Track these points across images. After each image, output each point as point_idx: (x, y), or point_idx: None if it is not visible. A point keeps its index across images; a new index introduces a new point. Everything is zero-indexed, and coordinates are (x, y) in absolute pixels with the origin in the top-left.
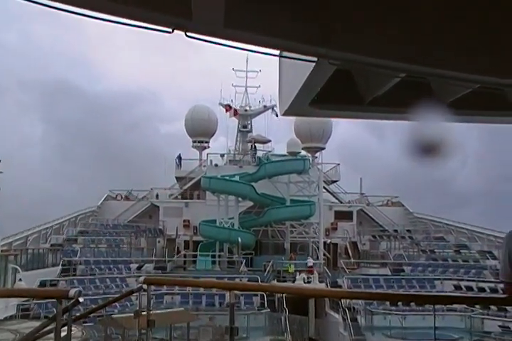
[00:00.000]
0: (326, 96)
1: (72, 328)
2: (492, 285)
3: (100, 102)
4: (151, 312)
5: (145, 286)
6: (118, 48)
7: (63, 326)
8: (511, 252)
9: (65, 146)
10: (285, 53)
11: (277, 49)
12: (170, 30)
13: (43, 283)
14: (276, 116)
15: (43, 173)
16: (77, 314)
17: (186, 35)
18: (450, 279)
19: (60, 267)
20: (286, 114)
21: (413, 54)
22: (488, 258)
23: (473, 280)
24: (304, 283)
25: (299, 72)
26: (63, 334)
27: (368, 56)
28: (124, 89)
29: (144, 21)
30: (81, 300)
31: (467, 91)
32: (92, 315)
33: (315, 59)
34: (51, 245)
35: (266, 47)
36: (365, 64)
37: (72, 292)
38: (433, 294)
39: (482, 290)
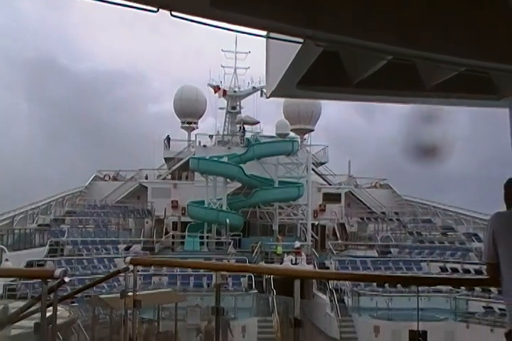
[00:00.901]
0: (313, 78)
1: (60, 308)
2: (477, 266)
3: (87, 81)
4: (138, 293)
5: (131, 267)
6: (105, 27)
7: (49, 306)
8: (495, 234)
9: (51, 126)
10: (272, 34)
11: (264, 30)
12: (155, 9)
13: (30, 264)
14: (264, 96)
15: (28, 152)
16: (64, 294)
17: (171, 15)
18: (436, 261)
19: (47, 247)
20: (273, 95)
21: (400, 37)
22: (473, 241)
23: (459, 262)
24: (292, 264)
25: (285, 54)
26: (49, 314)
27: (354, 38)
28: (111, 68)
29: (129, 0)
30: (66, 280)
31: (453, 75)
32: (79, 296)
33: (301, 40)
34: (38, 225)
35: (253, 27)
36: (352, 46)
37: (57, 272)
38: (417, 276)
39: (467, 271)
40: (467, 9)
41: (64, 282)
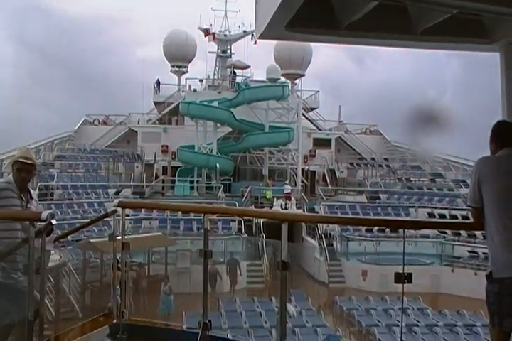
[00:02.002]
0: (302, 20)
1: (50, 251)
2: (464, 212)
3: (73, 24)
4: (128, 237)
5: (120, 210)
6: None
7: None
8: (480, 178)
9: (38, 69)
10: None
11: None
12: None
13: None
14: (255, 43)
15: (14, 96)
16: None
17: None
18: (424, 207)
19: (36, 191)
20: (262, 37)
21: None
22: (461, 187)
23: (446, 208)
24: (282, 209)
25: None
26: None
27: None
28: (99, 11)
29: None
30: (54, 222)
31: (445, 17)
32: (70, 239)
33: None
34: None
35: None
36: None
37: (44, 214)
38: (403, 219)
39: (454, 217)
40: None
41: (51, 224)
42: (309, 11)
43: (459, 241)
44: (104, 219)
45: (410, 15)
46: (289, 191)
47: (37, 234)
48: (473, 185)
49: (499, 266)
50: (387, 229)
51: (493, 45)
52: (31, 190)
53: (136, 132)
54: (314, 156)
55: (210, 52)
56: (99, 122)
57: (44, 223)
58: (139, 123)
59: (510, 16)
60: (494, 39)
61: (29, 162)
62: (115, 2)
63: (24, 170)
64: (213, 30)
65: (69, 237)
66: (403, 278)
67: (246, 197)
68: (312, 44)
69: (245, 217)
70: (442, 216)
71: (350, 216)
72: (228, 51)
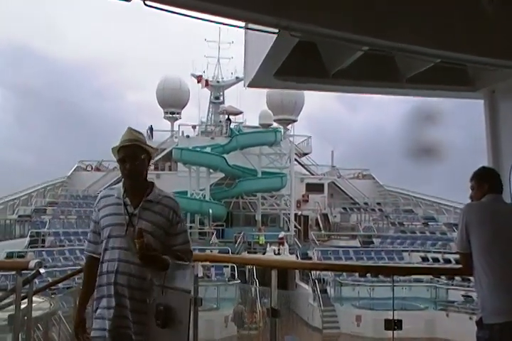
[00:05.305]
0: (290, 68)
1: (39, 300)
2: (457, 256)
3: (64, 69)
4: None
5: None
6: (86, 16)
7: (24, 298)
8: (467, 224)
9: (28, 114)
10: (249, 25)
11: (241, 20)
12: None
13: (9, 255)
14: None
15: (5, 142)
16: (42, 285)
17: (145, 4)
18: (418, 251)
19: (28, 238)
20: (251, 85)
21: (374, 27)
22: (454, 231)
23: (440, 252)
24: (275, 254)
25: (262, 44)
26: (24, 306)
27: (329, 28)
28: (90, 56)
29: None
30: (42, 271)
31: (429, 66)
32: (61, 287)
33: (277, 31)
34: (19, 216)
35: (230, 18)
36: (326, 36)
37: (32, 263)
38: (389, 265)
39: (448, 261)
40: (444, 2)
41: (39, 273)
42: (297, 59)
43: (452, 284)
44: None
45: (396, 64)
46: (282, 236)
47: (24, 283)
48: (460, 231)
49: (488, 312)
50: None
51: (477, 93)
52: (156, 187)
53: None
54: (307, 201)
55: (203, 98)
56: (92, 168)
57: (32, 272)
58: None
59: (492, 66)
60: (477, 87)
61: (128, 144)
62: (107, 46)
63: (127, 158)
64: (206, 77)
65: (60, 285)
66: (393, 324)
67: (239, 243)
68: None
69: None
70: (436, 260)
71: (341, 262)
72: (221, 97)
